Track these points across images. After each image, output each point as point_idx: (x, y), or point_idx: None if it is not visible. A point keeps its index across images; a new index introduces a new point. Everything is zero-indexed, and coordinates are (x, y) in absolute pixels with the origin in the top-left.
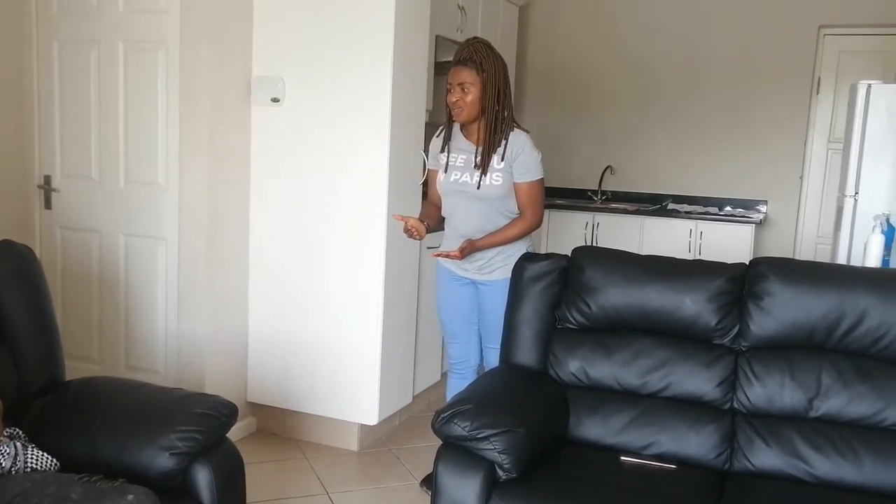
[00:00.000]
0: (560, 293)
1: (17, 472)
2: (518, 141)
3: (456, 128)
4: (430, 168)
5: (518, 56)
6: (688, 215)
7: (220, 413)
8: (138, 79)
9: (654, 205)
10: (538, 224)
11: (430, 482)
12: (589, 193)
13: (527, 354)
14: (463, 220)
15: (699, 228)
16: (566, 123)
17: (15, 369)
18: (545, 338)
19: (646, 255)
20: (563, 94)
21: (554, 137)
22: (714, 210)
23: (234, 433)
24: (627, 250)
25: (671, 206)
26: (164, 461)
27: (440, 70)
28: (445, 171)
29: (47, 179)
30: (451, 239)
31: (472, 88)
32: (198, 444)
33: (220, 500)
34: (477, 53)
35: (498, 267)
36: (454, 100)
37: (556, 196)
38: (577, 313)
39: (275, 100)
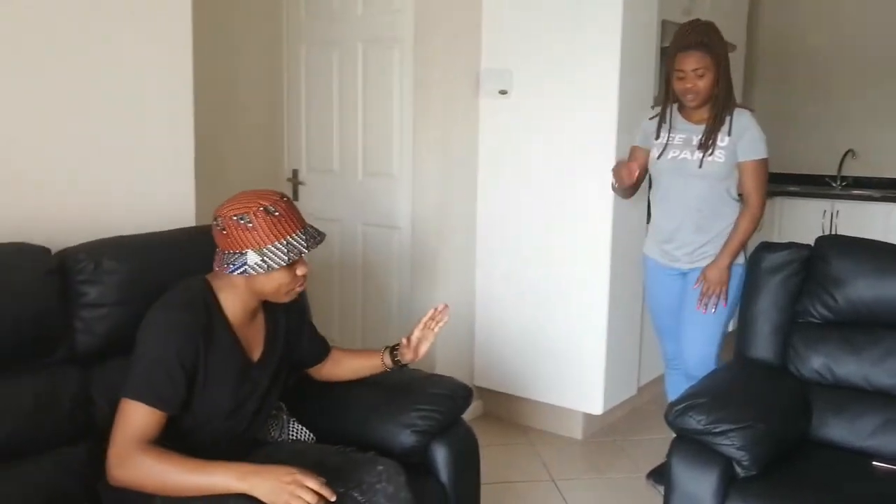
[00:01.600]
0: (801, 285)
1: (282, 441)
2: (744, 118)
3: (674, 108)
4: (638, 145)
5: (749, 34)
6: None
7: (456, 395)
8: (375, 76)
9: None
10: (762, 212)
11: (656, 475)
12: (826, 179)
13: (764, 349)
14: (678, 201)
15: None
16: (800, 104)
17: None
18: (784, 332)
19: None
20: (797, 72)
21: (786, 119)
22: None
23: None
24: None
25: None
26: (405, 438)
27: (666, 54)
28: (661, 151)
29: (295, 173)
30: (661, 225)
31: (708, 73)
32: (436, 424)
33: (456, 479)
34: (706, 35)
35: (710, 254)
36: (689, 86)
37: (788, 182)
38: (822, 306)
39: (502, 92)
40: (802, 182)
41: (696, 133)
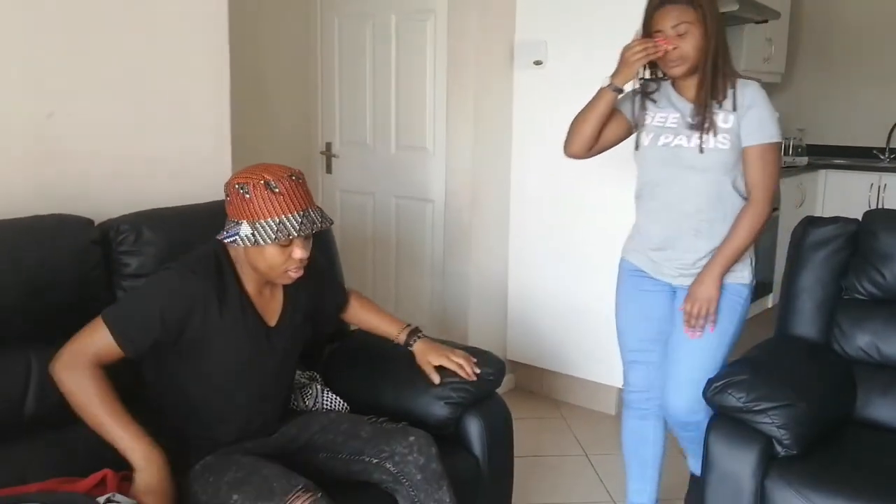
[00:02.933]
0: (847, 261)
1: (315, 410)
2: (750, 90)
3: (668, 82)
4: (618, 108)
5: (793, 2)
6: None
7: (490, 368)
8: (409, 49)
9: None
10: (770, 209)
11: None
12: (874, 152)
13: (806, 326)
14: (671, 200)
15: None
16: (846, 74)
17: None
18: (828, 309)
19: None
20: (843, 42)
21: (832, 90)
22: None
23: None
24: None
25: None
26: (438, 409)
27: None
28: (650, 135)
29: (328, 146)
30: (649, 231)
31: (692, 29)
32: (469, 395)
33: (489, 452)
34: None
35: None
36: (671, 48)
37: (834, 155)
38: (869, 283)
39: (537, 63)
40: (848, 154)
41: (696, 112)
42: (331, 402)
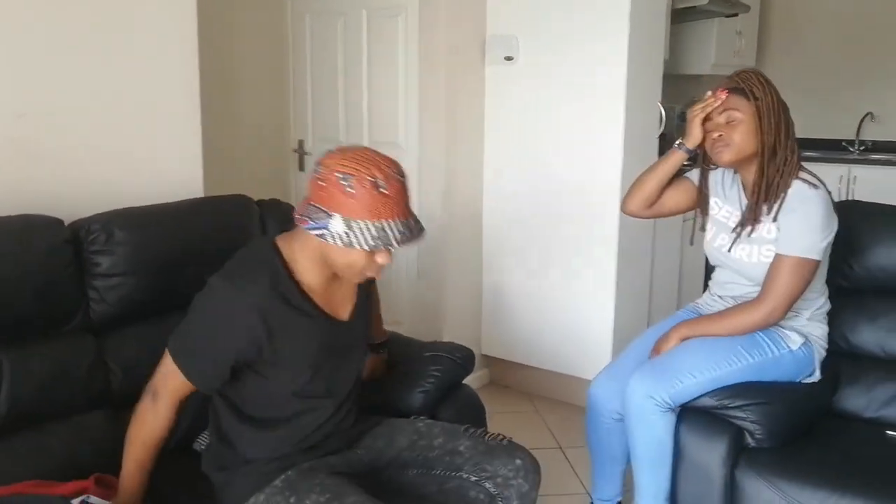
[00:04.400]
0: None
1: (393, 419)
2: (795, 194)
3: (728, 172)
4: (688, 176)
5: None
6: None
7: (454, 355)
8: (380, 45)
9: None
10: (771, 320)
11: None
12: (844, 144)
13: None
14: (729, 288)
15: None
16: (816, 65)
17: None
18: None
19: None
20: (813, 31)
21: (801, 82)
22: None
23: (469, 383)
24: None
25: None
26: (413, 399)
27: (677, 18)
28: (707, 218)
29: (300, 144)
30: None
31: (743, 118)
32: (438, 381)
33: None
34: (745, 81)
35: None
36: (716, 135)
37: (803, 147)
38: (837, 274)
39: (508, 58)
40: (818, 147)
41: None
42: None
